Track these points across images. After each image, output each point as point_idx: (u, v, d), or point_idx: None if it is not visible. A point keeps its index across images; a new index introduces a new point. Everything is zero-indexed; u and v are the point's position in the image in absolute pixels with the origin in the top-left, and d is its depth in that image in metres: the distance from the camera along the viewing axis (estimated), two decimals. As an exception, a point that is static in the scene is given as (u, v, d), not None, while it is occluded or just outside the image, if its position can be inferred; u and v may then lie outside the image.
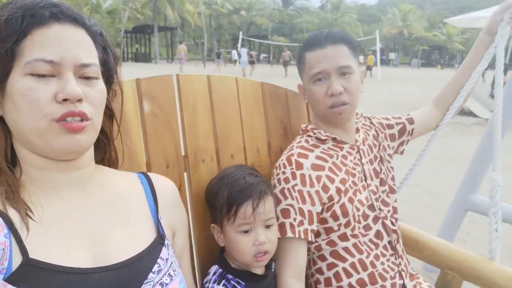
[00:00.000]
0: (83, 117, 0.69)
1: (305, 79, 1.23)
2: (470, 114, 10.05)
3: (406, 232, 1.44)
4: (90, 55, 0.71)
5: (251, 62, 21.71)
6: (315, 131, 1.24)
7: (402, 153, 1.44)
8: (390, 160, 1.35)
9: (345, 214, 1.15)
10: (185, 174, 1.12)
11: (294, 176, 1.13)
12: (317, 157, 1.19)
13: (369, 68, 24.41)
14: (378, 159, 1.30)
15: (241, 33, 30.07)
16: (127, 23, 34.12)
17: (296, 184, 1.13)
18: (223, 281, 1.00)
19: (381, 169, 1.29)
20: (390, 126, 1.39)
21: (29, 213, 0.68)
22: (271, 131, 1.34)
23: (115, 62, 0.81)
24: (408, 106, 10.68)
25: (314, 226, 1.13)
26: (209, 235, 1.15)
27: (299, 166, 1.14)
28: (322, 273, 1.20)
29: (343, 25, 50.08)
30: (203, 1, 41.82)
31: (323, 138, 1.22)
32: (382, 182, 1.28)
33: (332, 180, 1.16)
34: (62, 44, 0.67)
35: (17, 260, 0.63)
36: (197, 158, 1.13)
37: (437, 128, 1.47)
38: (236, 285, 1.00)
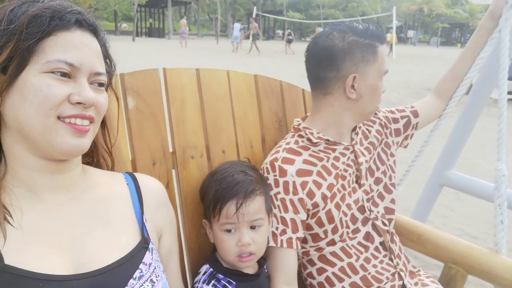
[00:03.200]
0: (90, 120, 0.72)
1: (373, 72, 1.13)
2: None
3: (408, 226, 1.41)
4: (102, 64, 0.76)
5: (289, 41, 21.49)
6: (307, 131, 1.17)
7: (406, 146, 1.40)
8: (392, 158, 1.30)
9: (330, 220, 1.12)
10: (173, 171, 1.10)
11: (277, 183, 1.09)
12: (305, 161, 1.13)
13: (389, 45, 23.77)
14: (375, 157, 1.25)
15: (255, 8, 29.42)
16: (141, -4, 33.75)
17: (279, 192, 1.09)
18: (213, 281, 0.99)
19: (378, 168, 1.24)
20: (395, 120, 1.33)
21: (8, 218, 0.67)
22: (265, 125, 1.30)
23: (112, 70, 0.83)
24: (417, 85, 10.47)
25: (300, 234, 1.10)
26: (199, 233, 1.14)
27: (283, 173, 1.09)
28: (313, 277, 1.19)
29: (360, 1, 48.58)
30: (218, -26, 40.95)
31: (314, 141, 1.15)
32: (377, 181, 1.23)
33: (319, 186, 1.12)
34: (82, 50, 0.71)
35: None
36: (185, 155, 1.11)
37: (440, 118, 1.42)
38: (227, 284, 0.99)
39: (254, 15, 27.43)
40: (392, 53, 22.69)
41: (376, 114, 1.31)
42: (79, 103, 0.69)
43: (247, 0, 48.75)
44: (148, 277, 0.76)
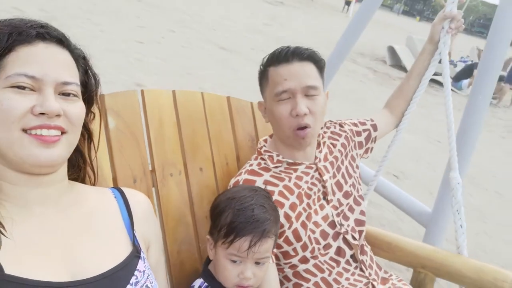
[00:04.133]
0: (60, 130, 0.71)
1: (267, 96, 1.19)
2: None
3: (377, 236, 1.47)
4: (71, 74, 0.75)
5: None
6: (267, 155, 1.21)
7: (367, 157, 1.47)
8: (358, 170, 1.36)
9: (298, 238, 1.15)
10: (153, 189, 1.13)
11: None
12: (266, 182, 1.16)
13: (347, 3, 23.44)
14: (343, 170, 1.29)
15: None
16: None
17: None
18: None
19: (346, 181, 1.28)
20: (358, 134, 1.40)
21: (1, 229, 0.67)
22: (239, 144, 1.37)
23: (96, 85, 0.84)
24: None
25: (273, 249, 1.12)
26: (180, 249, 1.15)
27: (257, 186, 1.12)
28: None
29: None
30: None
31: (273, 165, 1.19)
32: (347, 195, 1.27)
33: (281, 205, 1.14)
34: (45, 62, 0.71)
35: None
36: (164, 172, 1.14)
37: (396, 134, 1.54)
38: None
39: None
40: (349, 10, 22.24)
41: (342, 126, 1.39)
42: (42, 113, 0.68)
43: None
44: (144, 283, 0.78)
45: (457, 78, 10.04)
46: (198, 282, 1.05)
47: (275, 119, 1.17)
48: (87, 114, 0.82)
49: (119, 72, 4.58)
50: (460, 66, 11.01)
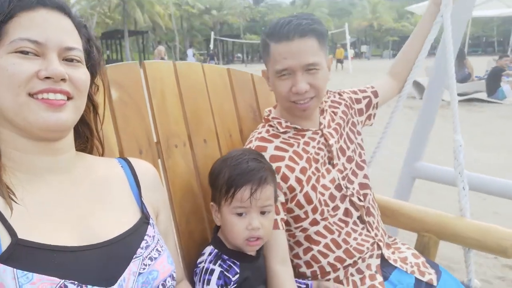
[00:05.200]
0: (66, 94, 0.71)
1: (269, 70, 1.21)
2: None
3: (382, 203, 1.49)
4: (74, 40, 0.75)
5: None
6: (275, 121, 1.24)
7: (371, 125, 1.48)
8: (359, 136, 1.38)
9: (309, 201, 1.18)
10: (159, 160, 1.14)
11: None
12: (277, 148, 1.19)
13: (339, 61, 24.67)
14: (345, 136, 1.32)
15: (212, 33, 29.88)
16: (96, 28, 33.34)
17: None
18: (219, 261, 1.03)
19: (348, 147, 1.31)
20: (358, 101, 1.42)
21: (13, 196, 0.69)
22: (241, 116, 1.37)
23: (98, 55, 0.84)
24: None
25: (282, 215, 1.16)
26: (189, 219, 1.17)
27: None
28: (299, 258, 1.24)
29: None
30: (173, 2, 41.37)
31: (282, 130, 1.23)
32: (349, 160, 1.30)
33: (292, 170, 1.18)
34: (47, 27, 0.71)
35: (6, 240, 0.65)
36: (169, 144, 1.16)
37: (398, 99, 1.54)
38: (232, 264, 1.03)
39: (212, 41, 27.86)
40: (343, 67, 23.52)
41: (341, 95, 1.41)
42: (48, 78, 0.69)
43: (204, 26, 49.44)
44: (154, 247, 0.80)
45: (491, 88, 9.41)
46: (209, 249, 1.07)
47: (277, 93, 1.21)
48: (90, 85, 0.82)
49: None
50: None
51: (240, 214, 1.02)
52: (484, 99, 9.26)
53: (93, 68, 0.84)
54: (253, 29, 53.43)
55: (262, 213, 1.03)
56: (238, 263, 1.03)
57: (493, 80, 9.59)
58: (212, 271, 1.01)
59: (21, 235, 0.66)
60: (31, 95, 0.69)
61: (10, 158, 0.73)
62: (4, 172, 0.71)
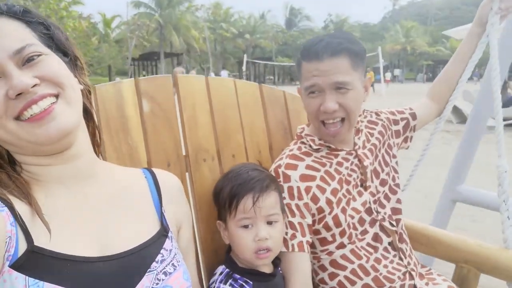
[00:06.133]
0: (48, 96, 0.67)
1: (302, 87, 1.18)
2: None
3: (416, 229, 1.42)
4: (20, 39, 0.68)
5: None
6: (308, 138, 1.21)
7: (407, 148, 1.43)
8: (394, 159, 1.33)
9: (338, 224, 1.13)
10: (186, 174, 1.13)
11: (281, 189, 1.11)
12: (308, 167, 1.15)
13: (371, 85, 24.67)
14: (380, 158, 1.27)
15: (245, 56, 30.51)
16: (134, 50, 34.82)
17: (284, 198, 1.10)
18: (230, 281, 0.99)
19: (383, 169, 1.26)
20: (396, 122, 1.37)
21: (33, 202, 0.68)
22: (271, 132, 1.35)
23: (63, 33, 0.77)
24: None
25: (308, 238, 1.11)
26: (214, 236, 1.15)
27: (287, 178, 1.12)
28: (325, 283, 1.18)
29: (346, 44, 50.46)
30: (208, 26, 42.72)
31: (315, 147, 1.19)
32: (383, 183, 1.25)
33: (323, 191, 1.13)
34: None
35: (22, 247, 0.64)
36: (198, 158, 1.15)
37: (439, 121, 1.48)
38: (244, 284, 0.98)
39: (244, 63, 28.41)
40: (374, 90, 23.29)
41: (378, 115, 1.36)
42: (19, 94, 0.64)
43: (237, 49, 50.60)
44: (170, 261, 0.78)
45: None
46: (220, 268, 1.04)
47: (307, 111, 1.19)
48: (74, 66, 0.78)
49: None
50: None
51: (246, 227, 0.99)
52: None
53: (64, 49, 0.76)
54: (285, 52, 54.15)
55: (269, 223, 1.00)
56: (250, 282, 0.99)
57: None
58: None
59: (37, 242, 0.65)
60: (17, 118, 0.66)
61: (29, 171, 0.73)
62: (26, 183, 0.71)
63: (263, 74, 52.52)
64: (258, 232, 0.98)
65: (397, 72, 55.19)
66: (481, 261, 1.30)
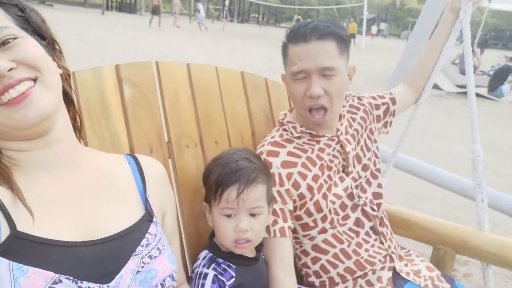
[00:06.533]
0: (26, 80, 0.66)
1: (287, 73, 1.18)
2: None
3: (395, 213, 1.46)
4: None
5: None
6: (290, 125, 1.21)
7: (387, 133, 1.46)
8: (375, 144, 1.35)
9: (319, 210, 1.15)
10: (169, 160, 1.13)
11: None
12: (289, 153, 1.16)
13: (352, 36, 24.23)
14: (362, 143, 1.29)
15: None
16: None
17: None
18: (213, 265, 1.00)
19: (364, 155, 1.28)
20: (377, 107, 1.38)
21: (15, 187, 0.68)
22: (254, 119, 1.36)
23: (37, 16, 0.76)
24: (377, 75, 10.80)
25: (290, 223, 1.13)
26: (198, 221, 1.16)
27: (268, 165, 1.12)
28: (308, 267, 1.21)
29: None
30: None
31: (297, 135, 1.20)
32: (365, 168, 1.27)
33: (304, 177, 1.14)
34: None
35: (5, 233, 0.64)
36: (180, 144, 1.14)
37: (416, 107, 1.50)
38: (227, 268, 1.00)
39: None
40: (355, 42, 22.73)
41: (360, 100, 1.37)
42: None
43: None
44: (155, 245, 0.78)
45: (494, 85, 9.46)
46: (203, 253, 1.06)
47: (292, 97, 1.18)
48: (52, 49, 0.77)
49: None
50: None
51: (228, 216, 1.00)
52: (484, 94, 9.24)
53: (40, 32, 0.75)
54: (273, -8, 51.81)
55: (252, 215, 1.00)
56: (233, 266, 1.00)
57: (498, 78, 9.54)
58: (206, 275, 0.98)
59: (20, 227, 0.65)
60: None
61: (9, 156, 0.72)
62: (5, 168, 0.70)
63: (248, 11, 50.41)
64: (239, 223, 0.98)
65: (383, 26, 54.34)
66: (457, 242, 1.36)
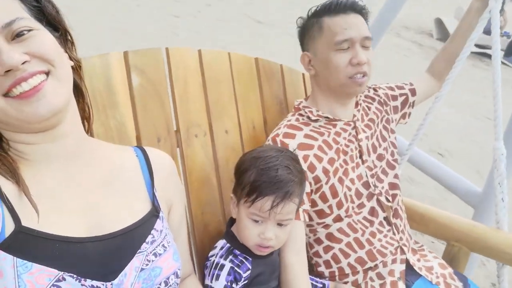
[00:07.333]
0: (39, 73, 0.65)
1: (320, 46, 1.16)
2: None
3: (410, 207, 1.42)
4: (10, 12, 0.65)
5: None
6: (306, 109, 1.20)
7: (405, 123, 1.42)
8: (393, 134, 1.32)
9: (334, 194, 1.14)
10: (177, 150, 1.11)
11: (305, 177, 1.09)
12: (306, 136, 1.15)
13: None
14: (378, 133, 1.27)
15: None
16: None
17: None
18: (230, 256, 1.00)
19: (380, 144, 1.26)
20: (394, 98, 1.35)
21: (21, 181, 0.67)
22: (267, 107, 1.32)
23: (54, 6, 0.74)
24: None
25: (306, 206, 1.12)
26: (205, 211, 1.15)
27: (285, 147, 1.11)
28: (319, 256, 1.20)
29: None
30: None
31: (314, 118, 1.19)
32: (380, 158, 1.25)
33: (320, 160, 1.14)
34: None
35: (9, 228, 0.63)
36: (189, 133, 1.12)
37: (436, 100, 1.44)
38: (244, 260, 1.00)
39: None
40: None
41: (376, 91, 1.34)
42: (8, 70, 0.62)
43: None
44: (160, 242, 0.77)
45: (511, 50, 9.19)
46: (221, 243, 1.04)
47: (329, 69, 1.15)
48: (64, 42, 0.75)
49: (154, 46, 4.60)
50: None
51: (256, 221, 0.97)
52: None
53: (55, 23, 0.74)
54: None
55: (279, 224, 0.98)
56: (250, 258, 1.00)
57: None
58: (222, 266, 0.98)
59: (25, 222, 0.64)
60: (5, 95, 0.64)
61: (17, 149, 0.72)
62: (13, 161, 0.69)
63: None
64: (265, 232, 0.96)
65: None
66: (472, 240, 1.31)
